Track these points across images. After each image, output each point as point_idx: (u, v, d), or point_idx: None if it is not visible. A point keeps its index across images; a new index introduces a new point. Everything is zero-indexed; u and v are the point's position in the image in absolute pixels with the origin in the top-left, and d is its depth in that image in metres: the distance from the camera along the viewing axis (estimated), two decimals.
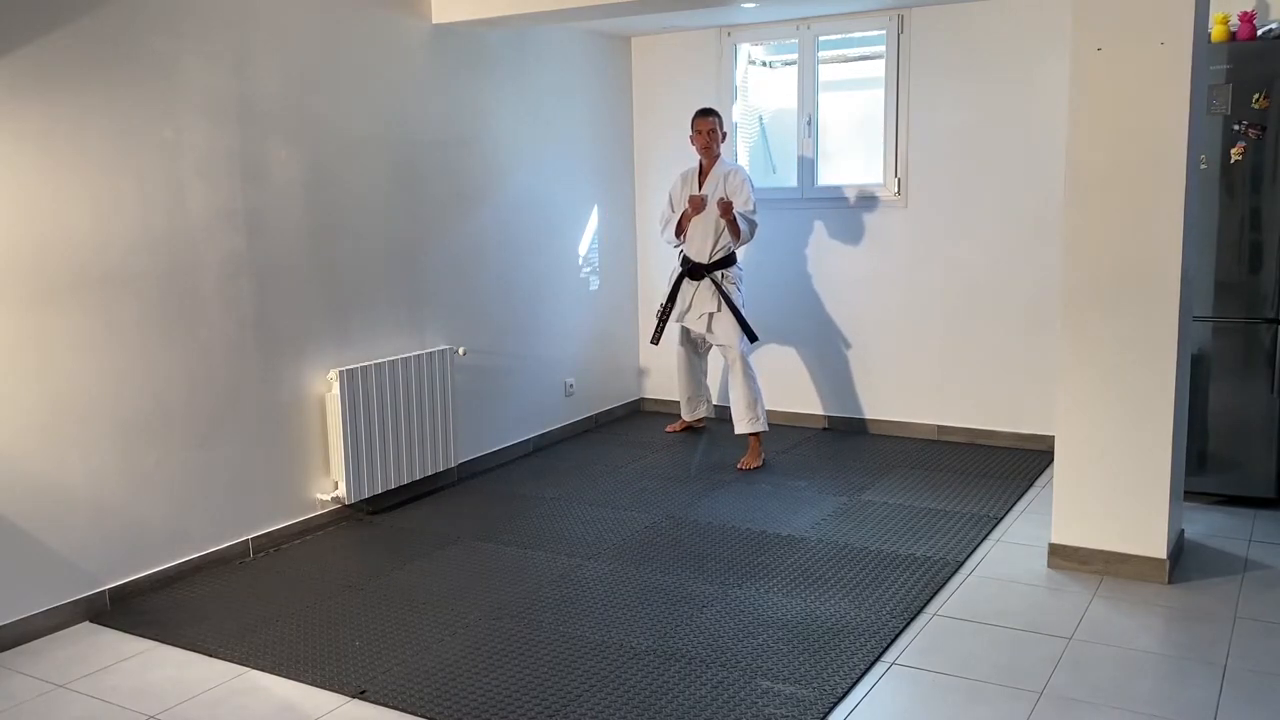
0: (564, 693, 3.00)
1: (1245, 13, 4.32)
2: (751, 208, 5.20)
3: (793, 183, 5.96)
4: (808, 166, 5.88)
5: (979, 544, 4.12)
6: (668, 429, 6.01)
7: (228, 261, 4.01)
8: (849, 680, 3.05)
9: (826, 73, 5.88)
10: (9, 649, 3.39)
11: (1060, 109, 4.91)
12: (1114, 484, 3.71)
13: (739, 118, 6.08)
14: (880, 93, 5.63)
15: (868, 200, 5.72)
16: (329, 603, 3.70)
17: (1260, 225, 4.32)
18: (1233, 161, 4.32)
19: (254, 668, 3.23)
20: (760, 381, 5.34)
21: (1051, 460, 4.59)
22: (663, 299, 5.50)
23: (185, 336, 3.88)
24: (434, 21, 4.84)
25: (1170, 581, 3.69)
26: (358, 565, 4.06)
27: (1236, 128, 4.29)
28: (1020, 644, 3.27)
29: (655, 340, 5.53)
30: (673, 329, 5.58)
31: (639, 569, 3.94)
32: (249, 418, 4.13)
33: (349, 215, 4.50)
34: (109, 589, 3.68)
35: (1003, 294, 5.43)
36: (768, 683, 3.04)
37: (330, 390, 4.40)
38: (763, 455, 5.31)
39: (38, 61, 3.38)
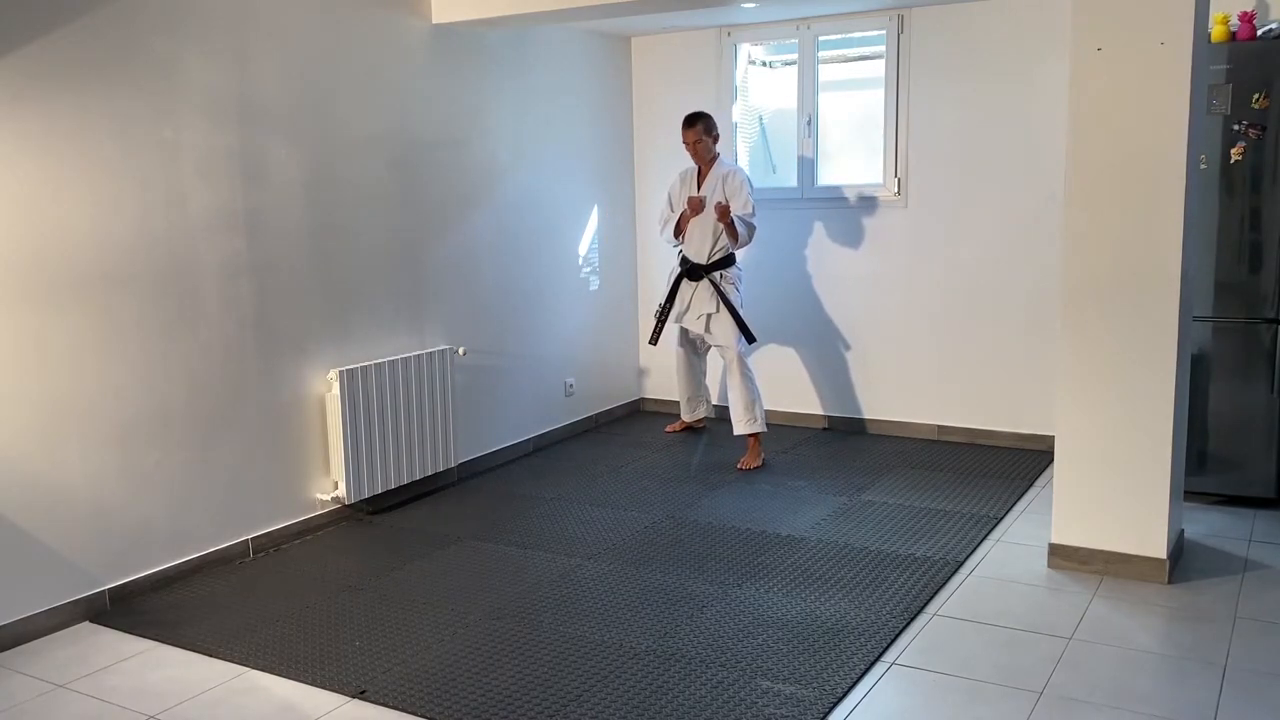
0: (564, 693, 3.00)
1: (1245, 13, 4.32)
2: (750, 210, 5.19)
3: (793, 183, 5.97)
4: (808, 166, 5.88)
5: (979, 544, 4.12)
6: (667, 429, 6.01)
7: (228, 262, 4.01)
8: (849, 680, 3.05)
9: (826, 73, 5.88)
10: (9, 649, 3.39)
11: (1060, 109, 4.91)
12: (1114, 484, 3.71)
13: (739, 118, 6.08)
14: (880, 93, 5.63)
15: (868, 200, 5.72)
16: (329, 603, 3.70)
17: (1260, 225, 4.32)
18: (1233, 161, 4.32)
19: (254, 668, 3.23)
20: (759, 382, 5.34)
21: (1051, 460, 4.59)
22: (661, 299, 5.50)
23: (185, 337, 3.88)
24: (434, 21, 4.84)
25: (1170, 581, 3.69)
26: (358, 565, 4.06)
27: (1236, 128, 4.29)
28: (1020, 644, 3.27)
29: (653, 341, 5.54)
30: (672, 329, 5.58)
31: (639, 569, 3.94)
32: (249, 418, 4.13)
33: (349, 215, 4.50)
34: (109, 589, 3.68)
35: (1003, 294, 5.43)
36: (768, 683, 3.04)
37: (330, 390, 4.40)
38: (762, 455, 5.32)
39: (38, 62, 3.38)
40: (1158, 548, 3.68)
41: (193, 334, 3.90)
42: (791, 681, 3.04)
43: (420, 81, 4.81)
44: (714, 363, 6.04)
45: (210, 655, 3.32)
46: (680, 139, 5.35)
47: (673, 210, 5.39)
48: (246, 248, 4.07)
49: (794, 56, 5.92)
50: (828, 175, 5.93)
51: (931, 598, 3.62)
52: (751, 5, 5.08)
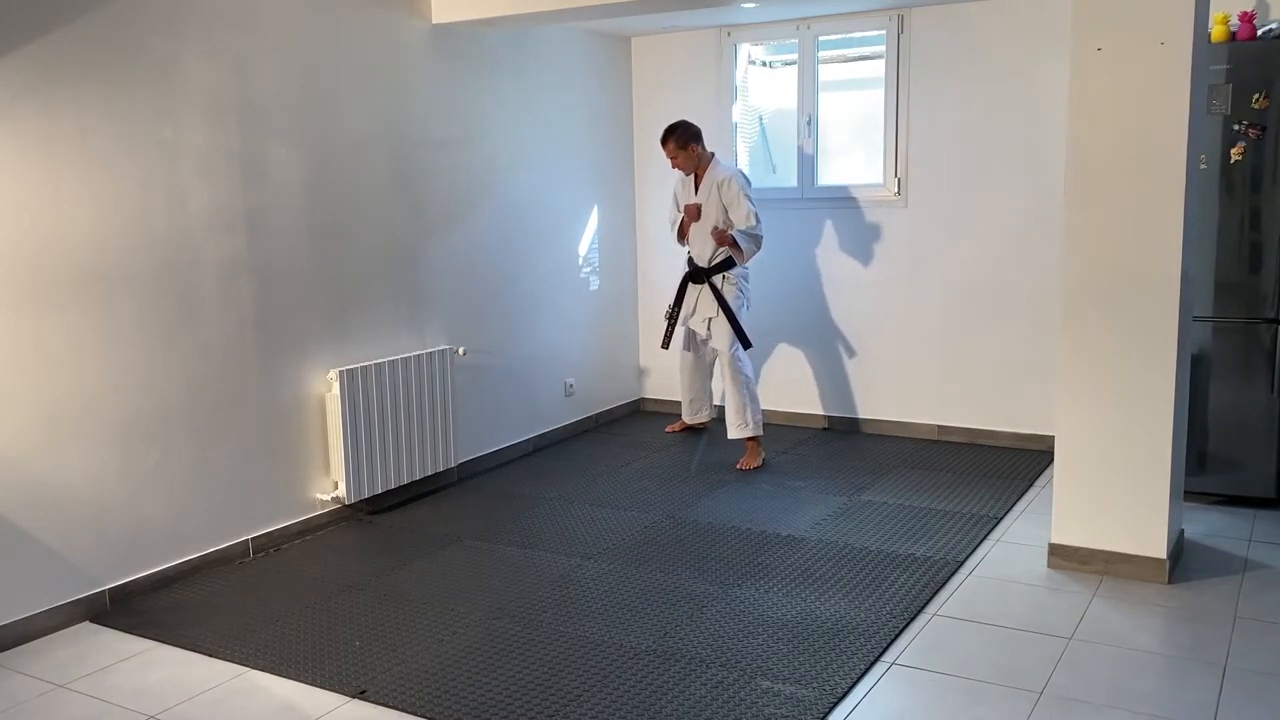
0: (564, 693, 3.00)
1: (1245, 13, 4.32)
2: (753, 222, 5.12)
3: (793, 183, 5.96)
4: (808, 166, 5.88)
5: (979, 544, 4.12)
6: (667, 429, 6.01)
7: (228, 261, 4.01)
8: (849, 680, 3.05)
9: (826, 73, 5.88)
10: (9, 649, 3.39)
11: (1060, 109, 4.91)
12: (1114, 484, 3.71)
13: (739, 118, 6.08)
14: (880, 92, 5.63)
15: (868, 200, 5.72)
16: (329, 603, 3.70)
17: (1260, 225, 4.32)
18: (1233, 161, 4.32)
19: (254, 668, 3.23)
20: (755, 385, 5.32)
21: (1051, 460, 4.59)
22: (670, 303, 5.49)
23: (185, 336, 3.88)
24: (434, 21, 4.84)
25: (1170, 581, 3.69)
26: (358, 565, 4.06)
27: (1236, 128, 4.29)
28: (1020, 644, 3.27)
29: (665, 345, 5.51)
30: (680, 332, 5.55)
31: (639, 569, 3.94)
32: (249, 418, 4.13)
33: (349, 215, 4.50)
34: (109, 589, 3.68)
35: (1003, 294, 5.43)
36: (768, 683, 3.04)
37: (330, 390, 4.40)
38: (762, 455, 5.31)
39: (38, 62, 3.38)
40: (1158, 548, 3.68)
41: (193, 334, 3.90)
42: (791, 681, 3.04)
43: (420, 81, 4.81)
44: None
45: (210, 655, 3.32)
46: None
47: (678, 210, 5.39)
48: (246, 248, 4.08)
49: (794, 56, 5.92)
50: (828, 175, 5.93)
51: (931, 598, 3.62)
52: (751, 5, 5.08)
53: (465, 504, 4.79)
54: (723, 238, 5.09)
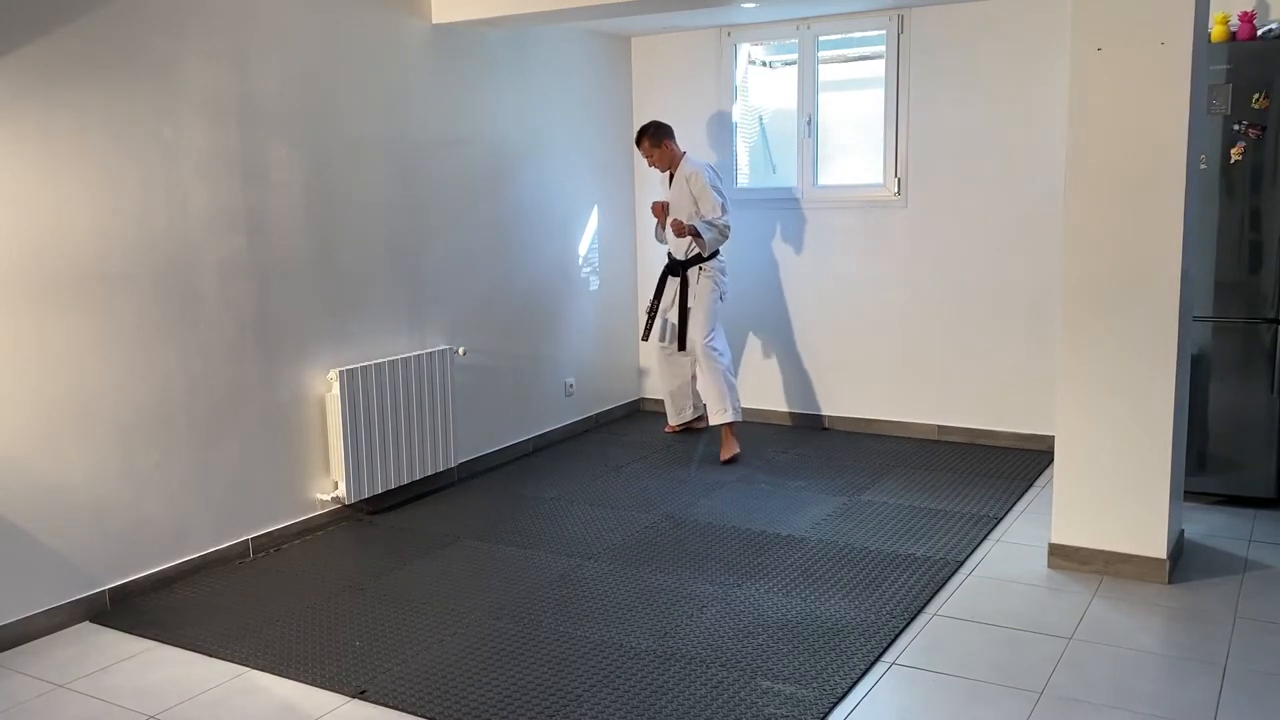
0: (564, 693, 3.00)
1: (1245, 13, 4.32)
2: (718, 213, 5.30)
3: (793, 183, 5.97)
4: (808, 166, 5.88)
5: (979, 544, 4.12)
6: (666, 429, 6.01)
7: (228, 261, 4.01)
8: (849, 680, 3.05)
9: (826, 73, 5.88)
10: (9, 649, 3.39)
11: (1060, 109, 4.91)
12: (1114, 484, 3.71)
13: (739, 118, 6.08)
14: (880, 93, 5.63)
15: (867, 200, 5.72)
16: (329, 603, 3.70)
17: (1260, 225, 4.32)
18: (1233, 161, 4.32)
19: (254, 668, 3.23)
20: (732, 374, 5.41)
21: (1051, 460, 4.59)
22: (651, 296, 5.63)
23: (185, 336, 3.88)
24: (434, 21, 4.84)
25: (1170, 581, 3.69)
26: (358, 565, 4.06)
27: (1236, 128, 4.29)
28: (1020, 644, 3.27)
29: (645, 336, 5.65)
30: (656, 324, 5.66)
31: (639, 569, 3.94)
32: (249, 418, 4.13)
33: (349, 215, 4.50)
34: (109, 589, 3.68)
35: (1003, 294, 5.43)
36: (768, 683, 3.04)
37: (330, 390, 4.40)
38: (738, 443, 5.40)
39: (38, 61, 3.38)
40: (1158, 548, 3.68)
41: (193, 334, 3.90)
42: (791, 681, 3.04)
43: (420, 81, 4.80)
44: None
45: (210, 655, 3.32)
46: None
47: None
48: (246, 247, 4.08)
49: (794, 56, 5.92)
50: (828, 175, 5.93)
51: (931, 598, 3.62)
52: (751, 5, 5.08)
53: (465, 504, 4.79)
54: (680, 229, 5.25)
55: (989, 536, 4.21)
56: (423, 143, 4.84)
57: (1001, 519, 4.41)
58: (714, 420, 5.36)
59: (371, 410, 4.52)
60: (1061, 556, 3.84)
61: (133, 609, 3.67)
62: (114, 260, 3.63)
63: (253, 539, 4.18)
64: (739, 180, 6.11)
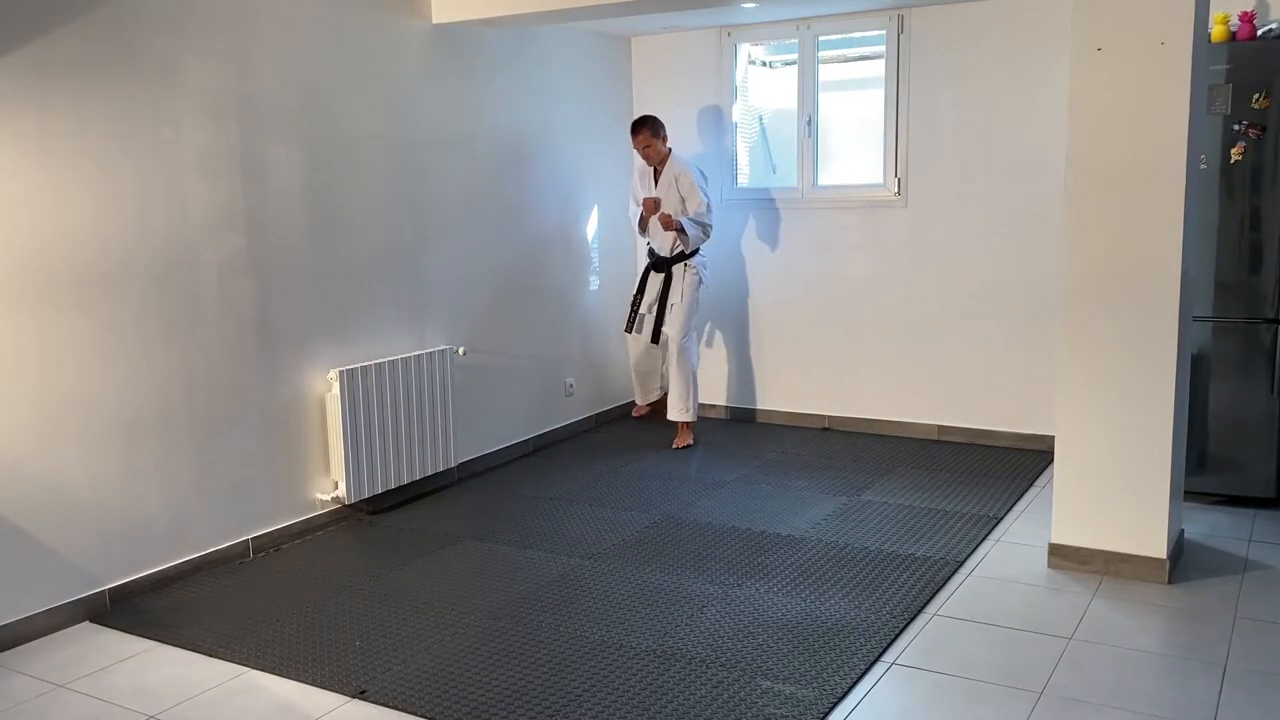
0: (564, 693, 3.00)
1: (1245, 13, 4.32)
2: (703, 210, 5.44)
3: (793, 183, 5.96)
4: (808, 166, 5.88)
5: (979, 544, 4.12)
6: (635, 413, 6.18)
7: (228, 261, 4.01)
8: (849, 680, 3.05)
9: (826, 73, 5.88)
10: (9, 649, 3.39)
11: (1060, 109, 4.91)
12: (1114, 484, 3.71)
13: (739, 118, 6.08)
14: (880, 93, 5.63)
15: (868, 200, 5.72)
16: (329, 603, 3.70)
17: (1260, 225, 4.32)
18: (1233, 161, 4.32)
19: (254, 668, 3.23)
20: (697, 374, 5.61)
21: (1051, 460, 4.59)
22: (633, 289, 5.73)
23: (185, 336, 3.88)
24: (434, 21, 4.84)
25: (1170, 581, 3.69)
26: (358, 565, 4.06)
27: (1236, 128, 4.29)
28: (1020, 644, 3.27)
29: (628, 329, 5.74)
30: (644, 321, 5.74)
31: (639, 569, 3.94)
32: (249, 418, 4.13)
33: (349, 215, 4.50)
34: (109, 589, 3.68)
35: (1003, 294, 5.43)
36: (768, 683, 3.04)
37: (330, 390, 4.40)
38: (692, 435, 5.66)
39: (38, 61, 3.38)
40: (1158, 548, 3.68)
41: (193, 334, 3.90)
42: (791, 681, 3.04)
43: (420, 81, 4.80)
44: (710, 360, 6.02)
45: (210, 655, 3.32)
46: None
47: (636, 204, 5.62)
48: (247, 247, 4.08)
49: (794, 56, 5.92)
50: (828, 175, 5.93)
51: (931, 598, 3.62)
52: (751, 5, 5.08)
53: (465, 504, 4.79)
54: (669, 222, 5.37)
55: (989, 536, 4.21)
56: (423, 143, 4.84)
57: (1001, 519, 4.41)
58: (673, 416, 5.60)
59: (371, 410, 4.52)
60: (1061, 556, 3.84)
61: (133, 609, 3.67)
62: (114, 260, 3.63)
63: (253, 539, 4.18)
64: (739, 180, 6.11)
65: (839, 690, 2.99)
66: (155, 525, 3.83)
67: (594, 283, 6.10)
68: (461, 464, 5.14)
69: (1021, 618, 3.45)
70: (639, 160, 5.62)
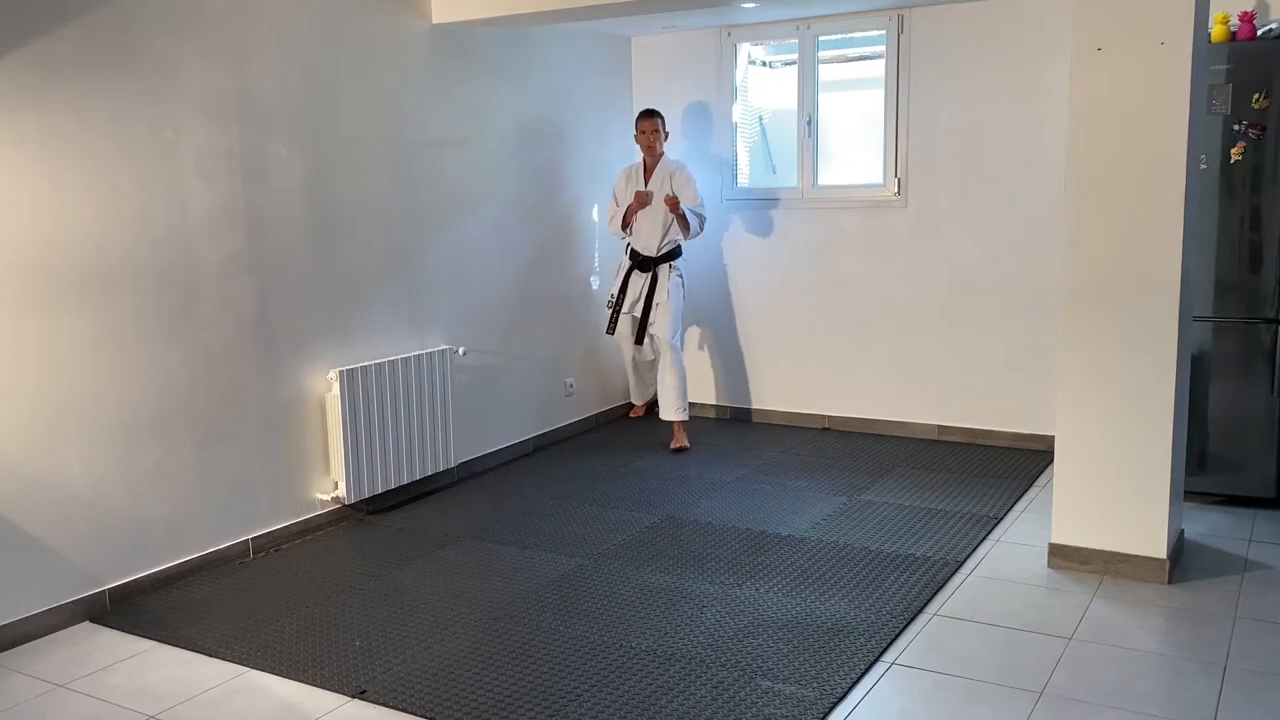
0: (564, 693, 3.00)
1: (1245, 13, 4.32)
2: (700, 203, 5.50)
3: (793, 183, 5.96)
4: (808, 166, 5.88)
5: (979, 544, 4.12)
6: (631, 413, 6.23)
7: (228, 261, 4.01)
8: (849, 680, 3.05)
9: (826, 73, 5.88)
10: (9, 649, 3.39)
11: (1060, 109, 4.90)
12: (1114, 484, 3.71)
13: (739, 118, 6.08)
14: (880, 93, 5.63)
15: (867, 200, 5.72)
16: (329, 603, 3.70)
17: (1260, 225, 4.32)
18: (1233, 161, 4.31)
19: (254, 668, 3.23)
20: (685, 372, 5.60)
21: (1051, 460, 4.59)
22: (614, 290, 5.70)
23: (185, 336, 3.88)
24: (434, 21, 4.84)
25: (1170, 581, 3.69)
26: (358, 565, 4.06)
27: (1236, 128, 4.29)
28: (1020, 644, 3.27)
29: (610, 330, 5.74)
30: (625, 323, 5.73)
31: (639, 569, 3.94)
32: (249, 418, 4.13)
33: (349, 215, 4.50)
34: (109, 589, 3.68)
35: (1003, 294, 5.43)
36: (768, 683, 3.04)
37: (330, 390, 4.40)
38: (686, 436, 5.61)
39: (38, 61, 3.38)
40: (1158, 548, 3.68)
41: (193, 334, 3.90)
42: (791, 681, 3.04)
43: (420, 81, 4.80)
44: (704, 359, 6.01)
45: (210, 655, 3.32)
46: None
47: (619, 206, 5.62)
48: (246, 247, 4.08)
49: (794, 56, 5.92)
50: (828, 175, 5.93)
51: (931, 598, 3.62)
52: (751, 5, 5.08)
53: (465, 504, 4.79)
54: (674, 204, 5.37)
55: (989, 536, 4.21)
56: (423, 143, 4.84)
57: (1001, 519, 4.41)
58: (667, 416, 5.56)
59: (371, 410, 4.52)
60: (1061, 556, 3.84)
61: (133, 609, 3.67)
62: (114, 260, 3.63)
63: (253, 539, 4.18)
64: (739, 180, 6.11)
65: (839, 690, 2.99)
66: (155, 525, 3.83)
67: (594, 282, 6.10)
68: (461, 464, 5.14)
69: (1021, 618, 3.45)
70: (624, 172, 5.63)
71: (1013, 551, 4.05)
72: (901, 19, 5.49)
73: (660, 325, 5.53)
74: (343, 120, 4.44)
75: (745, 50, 6.08)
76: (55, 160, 3.45)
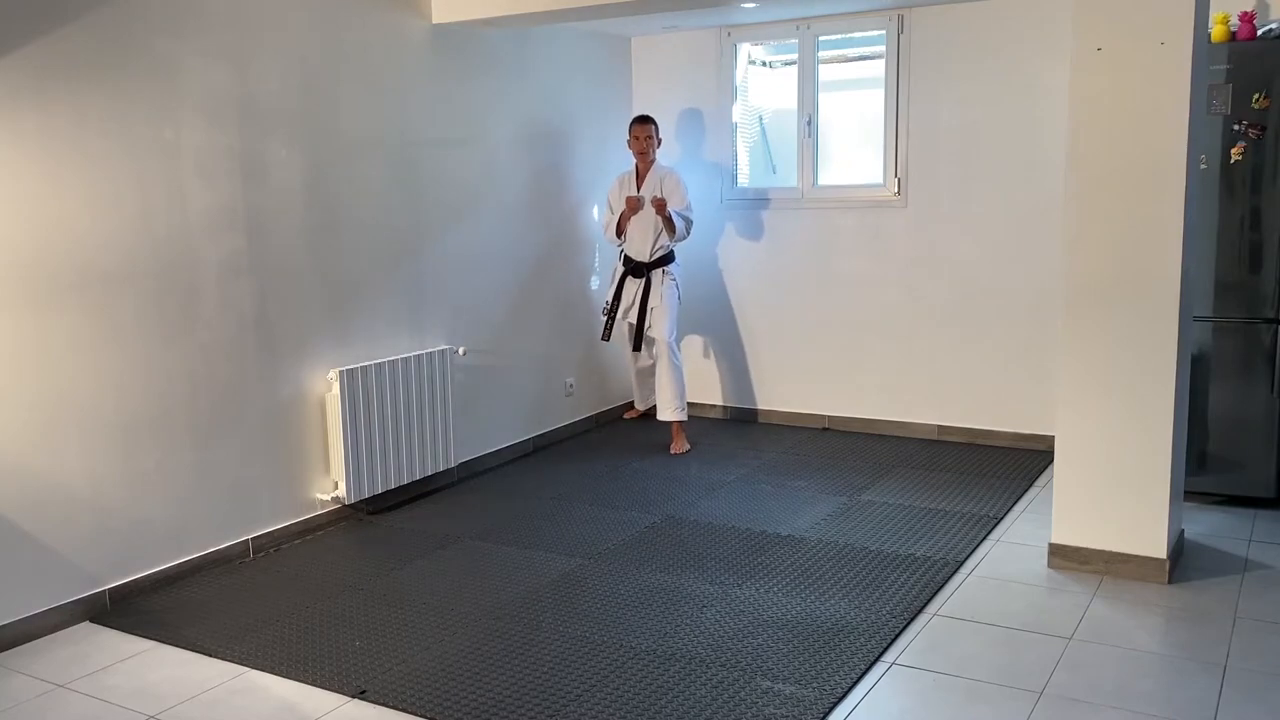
0: (564, 693, 3.00)
1: (1245, 13, 4.32)
2: (687, 206, 5.51)
3: (793, 183, 5.96)
4: (808, 166, 5.88)
5: (979, 544, 4.12)
6: (628, 414, 6.25)
7: (228, 261, 4.01)
8: (849, 680, 3.05)
9: (826, 73, 5.88)
10: (9, 649, 3.39)
11: (1060, 109, 4.91)
12: (1114, 484, 3.71)
13: (739, 118, 6.08)
14: (880, 93, 5.63)
15: (867, 200, 5.72)
16: (329, 603, 3.70)
17: (1260, 225, 4.32)
18: (1233, 161, 4.32)
19: (254, 668, 3.23)
20: (683, 374, 5.59)
21: (1051, 460, 4.59)
22: (608, 297, 5.70)
23: (185, 336, 3.88)
24: (434, 21, 4.84)
25: (1170, 581, 3.69)
26: (358, 565, 4.06)
27: (1236, 128, 4.29)
28: (1020, 644, 3.27)
29: (605, 337, 5.75)
30: (621, 329, 5.73)
31: (639, 569, 3.94)
32: (249, 418, 4.13)
33: (349, 215, 4.50)
34: (109, 589, 3.68)
35: (1003, 294, 5.43)
36: (768, 683, 3.04)
37: (330, 390, 4.40)
38: (686, 439, 5.61)
39: (37, 62, 3.38)
40: (1158, 548, 3.68)
41: (193, 334, 3.90)
42: (791, 681, 3.04)
43: (420, 81, 4.80)
44: (703, 359, 6.01)
45: (210, 655, 3.32)
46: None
47: (612, 213, 5.61)
48: (247, 247, 4.08)
49: (794, 56, 5.92)
50: (828, 175, 5.93)
51: (931, 598, 3.62)
52: (751, 5, 5.08)
53: (465, 504, 4.79)
54: (661, 205, 5.37)
55: (989, 536, 4.21)
56: (423, 143, 4.84)
57: (1001, 519, 4.41)
58: (665, 417, 5.54)
59: (371, 410, 4.52)
60: (1061, 556, 3.84)
61: (133, 609, 3.67)
62: (114, 260, 3.63)
63: (253, 539, 4.18)
64: (739, 180, 6.11)
65: (839, 690, 2.99)
66: (155, 525, 3.83)
67: (594, 282, 6.10)
68: (461, 464, 5.14)
69: (1021, 618, 3.45)
70: (618, 179, 5.63)
71: (1013, 551, 4.05)
72: (901, 19, 5.49)
73: (658, 326, 5.53)
74: (343, 120, 4.44)
75: (745, 50, 6.08)
76: (55, 160, 3.45)
